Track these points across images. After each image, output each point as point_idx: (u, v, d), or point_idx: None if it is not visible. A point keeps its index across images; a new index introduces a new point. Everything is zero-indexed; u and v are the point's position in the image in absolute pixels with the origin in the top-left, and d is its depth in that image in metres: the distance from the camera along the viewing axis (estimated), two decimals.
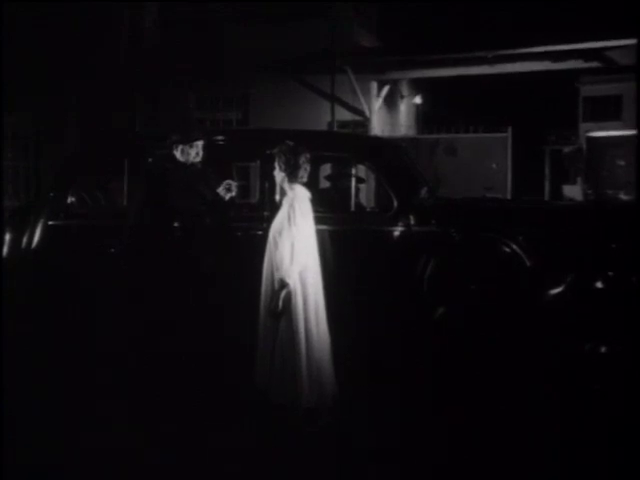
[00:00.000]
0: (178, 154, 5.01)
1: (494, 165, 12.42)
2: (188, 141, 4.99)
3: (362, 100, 13.63)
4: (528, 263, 5.63)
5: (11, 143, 13.98)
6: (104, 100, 13.68)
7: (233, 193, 5.04)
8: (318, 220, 4.52)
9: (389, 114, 15.52)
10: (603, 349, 5.49)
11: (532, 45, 12.34)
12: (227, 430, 4.30)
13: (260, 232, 5.16)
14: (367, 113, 13.83)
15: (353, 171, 6.60)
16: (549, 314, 5.57)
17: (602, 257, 5.65)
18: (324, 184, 7.30)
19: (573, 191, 12.99)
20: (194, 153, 5.01)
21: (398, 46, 13.92)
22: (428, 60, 13.36)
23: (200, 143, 5.03)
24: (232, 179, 5.16)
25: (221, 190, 5.00)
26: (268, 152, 5.50)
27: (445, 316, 5.72)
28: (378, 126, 14.21)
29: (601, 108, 15.45)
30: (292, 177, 4.45)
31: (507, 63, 13.02)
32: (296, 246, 4.22)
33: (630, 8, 10.28)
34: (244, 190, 7.93)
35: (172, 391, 4.54)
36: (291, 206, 4.32)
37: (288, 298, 4.22)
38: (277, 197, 4.63)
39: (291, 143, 4.52)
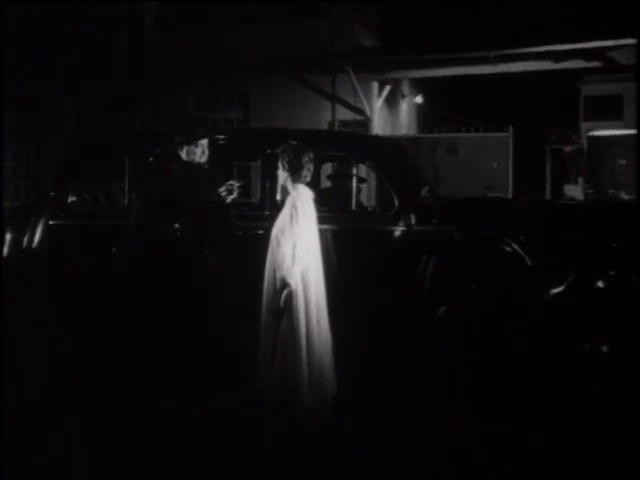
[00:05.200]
0: (184, 154, 4.97)
1: (495, 164, 12.39)
2: (193, 140, 4.96)
3: (363, 99, 13.62)
4: (529, 262, 5.63)
5: (11, 143, 13.99)
6: (104, 100, 13.69)
7: (235, 195, 4.99)
8: (319, 219, 4.52)
9: (390, 113, 15.51)
10: (604, 348, 5.48)
11: (533, 45, 12.33)
12: (227, 430, 4.30)
13: (261, 231, 5.16)
14: (368, 112, 13.82)
15: (354, 170, 6.60)
16: (550, 313, 5.57)
17: (603, 256, 5.65)
18: (325, 183, 7.30)
19: (574, 190, 12.97)
20: (200, 152, 4.98)
21: (399, 46, 13.91)
22: (429, 60, 13.35)
23: (205, 142, 4.99)
24: (234, 179, 5.13)
25: (222, 191, 4.97)
26: (269, 151, 5.52)
27: (446, 315, 5.72)
28: (379, 125, 14.19)
29: (602, 107, 15.47)
30: (295, 177, 4.44)
31: (508, 63, 13.01)
32: (298, 246, 4.22)
33: (631, 8, 10.28)
34: (245, 189, 7.93)
35: (172, 390, 4.54)
36: (293, 206, 4.32)
37: (289, 298, 4.22)
38: (278, 197, 4.62)
39: (294, 142, 4.51)
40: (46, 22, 13.74)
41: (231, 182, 5.00)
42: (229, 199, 4.97)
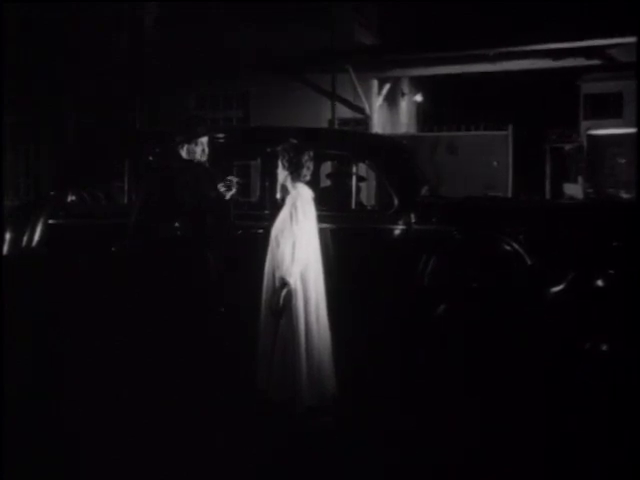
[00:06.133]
0: (184, 153, 4.98)
1: (495, 163, 12.39)
2: (193, 139, 4.96)
3: (363, 98, 13.61)
4: (529, 261, 5.63)
5: (11, 143, 13.98)
6: (104, 100, 13.68)
7: (233, 190, 5.01)
8: (319, 218, 4.52)
9: (390, 112, 15.50)
10: (604, 347, 5.48)
11: (533, 43, 12.31)
12: (227, 430, 4.30)
13: (261, 231, 5.16)
14: (368, 111, 13.81)
15: (354, 169, 6.60)
16: (550, 312, 5.56)
17: (603, 255, 5.65)
18: (325, 182, 7.30)
19: (574, 189, 12.95)
20: (200, 151, 4.98)
21: (399, 44, 13.89)
22: (429, 58, 13.34)
23: (205, 140, 5.00)
24: (232, 176, 5.13)
25: (221, 187, 4.98)
26: (269, 150, 5.51)
27: (446, 314, 5.71)
28: (379, 124, 14.19)
29: (602, 106, 15.46)
30: (295, 176, 4.44)
31: (508, 61, 13.00)
32: (297, 245, 4.22)
33: (630, 6, 10.27)
34: (245, 188, 7.92)
35: (172, 390, 4.54)
36: (293, 205, 4.32)
37: (289, 297, 4.22)
38: (278, 196, 4.62)
39: (294, 141, 4.52)
40: (46, 22, 13.73)
41: (229, 178, 5.01)
42: (228, 195, 4.98)
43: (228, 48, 13.36)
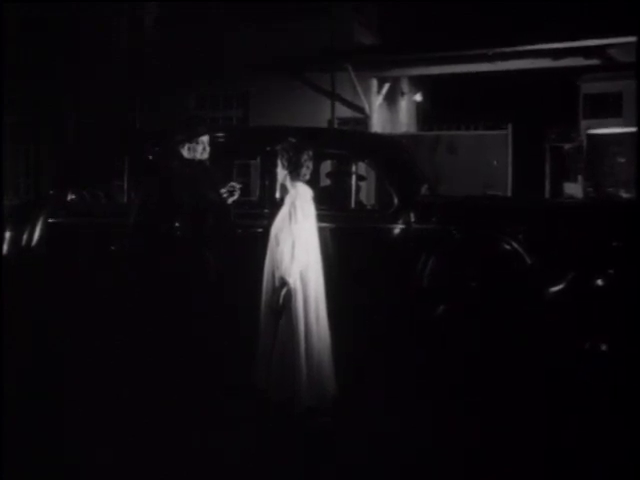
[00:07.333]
0: (185, 152, 4.99)
1: (494, 162, 12.38)
2: (194, 137, 4.97)
3: (362, 97, 13.61)
4: (528, 261, 5.63)
5: (11, 143, 13.98)
6: (104, 100, 13.68)
7: (236, 196, 5.04)
8: (318, 218, 4.52)
9: (389, 111, 15.49)
10: (603, 347, 5.48)
11: (533, 42, 12.29)
12: (227, 430, 4.30)
13: (260, 230, 5.16)
14: (367, 110, 13.81)
15: (353, 169, 6.60)
16: (549, 312, 5.56)
17: (602, 255, 5.65)
18: (324, 181, 7.30)
19: (573, 189, 12.94)
20: (200, 149, 5.00)
21: (398, 44, 13.89)
22: (428, 57, 13.33)
23: (205, 139, 5.02)
24: (234, 180, 5.16)
25: (224, 192, 5.00)
26: (268, 149, 5.52)
27: (445, 314, 5.71)
28: (378, 123, 14.18)
29: (601, 105, 15.44)
30: (294, 175, 4.44)
31: (507, 60, 12.98)
32: (297, 244, 4.22)
33: (631, 6, 10.25)
34: (245, 188, 7.92)
35: (172, 390, 4.54)
36: (293, 204, 4.32)
37: (288, 296, 4.22)
38: (277, 195, 4.63)
39: (294, 140, 4.52)
40: (46, 22, 13.74)
41: (232, 184, 5.04)
42: (230, 200, 5.00)
43: (228, 47, 13.36)
